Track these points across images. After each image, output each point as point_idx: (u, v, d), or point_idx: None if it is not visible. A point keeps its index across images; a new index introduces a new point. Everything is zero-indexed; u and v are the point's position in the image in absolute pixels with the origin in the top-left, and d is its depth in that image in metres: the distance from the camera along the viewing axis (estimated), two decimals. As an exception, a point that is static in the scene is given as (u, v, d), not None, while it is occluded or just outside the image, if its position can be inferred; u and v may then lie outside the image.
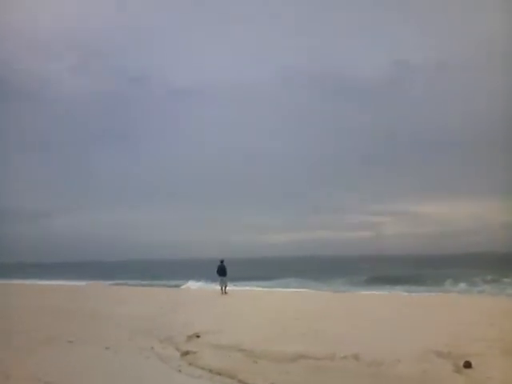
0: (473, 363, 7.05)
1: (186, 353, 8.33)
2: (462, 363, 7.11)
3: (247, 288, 30.43)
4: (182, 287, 34.26)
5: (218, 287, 24.31)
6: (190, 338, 9.88)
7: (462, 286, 26.02)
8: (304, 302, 18.68)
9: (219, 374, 6.85)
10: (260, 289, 30.25)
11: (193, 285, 35.26)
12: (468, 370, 6.87)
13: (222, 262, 23.99)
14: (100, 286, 35.89)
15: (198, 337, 9.98)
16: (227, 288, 23.95)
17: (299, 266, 63.44)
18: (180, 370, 7.06)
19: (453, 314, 12.48)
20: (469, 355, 7.52)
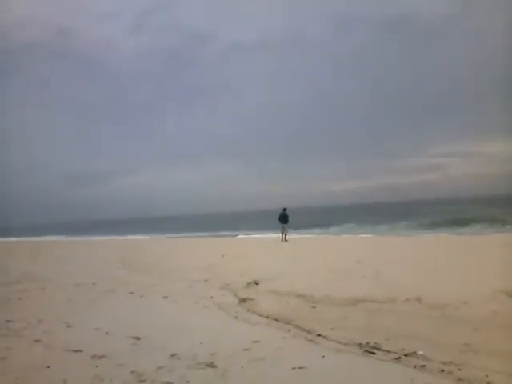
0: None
1: (244, 300, 8.33)
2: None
3: (308, 236, 30.31)
4: (243, 236, 34.76)
5: (278, 236, 24.54)
6: (249, 285, 9.90)
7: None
8: (365, 246, 18.26)
9: (276, 319, 6.78)
10: (321, 236, 30.06)
11: (253, 234, 35.63)
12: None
13: (284, 209, 24.19)
14: (161, 239, 37.11)
15: (256, 284, 9.98)
16: (287, 236, 24.12)
17: (362, 212, 62.56)
18: (237, 317, 7.05)
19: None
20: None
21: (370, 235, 27.30)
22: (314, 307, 7.53)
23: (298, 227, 33.63)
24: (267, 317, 6.97)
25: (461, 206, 56.21)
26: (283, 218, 24.17)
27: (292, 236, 26.16)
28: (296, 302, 7.95)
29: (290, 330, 6.11)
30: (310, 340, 5.61)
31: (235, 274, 11.43)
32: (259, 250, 19.02)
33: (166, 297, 8.83)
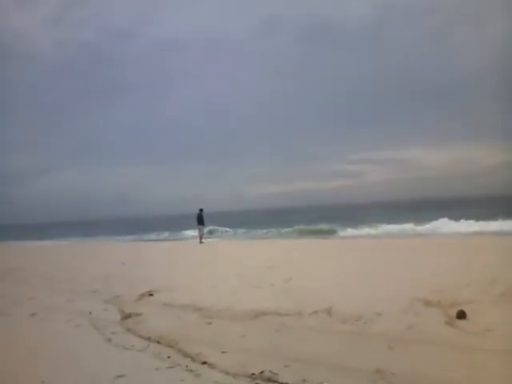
0: (467, 313, 5.83)
1: (129, 316, 7.01)
2: (454, 313, 5.88)
3: (224, 239, 29.23)
4: (158, 239, 33.10)
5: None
6: (141, 296, 8.59)
7: (451, 225, 24.34)
8: (280, 250, 17.42)
9: (159, 341, 5.52)
10: (237, 239, 29.01)
11: (172, 236, 33.99)
12: (462, 322, 5.64)
13: (200, 210, 23.19)
14: (71, 244, 34.43)
15: (151, 295, 8.68)
16: (203, 238, 23.17)
17: (284, 216, 62.53)
18: (110, 339, 5.72)
19: (441, 257, 11.29)
20: (461, 303, 6.31)
21: (288, 239, 26.67)
22: (209, 323, 6.38)
23: (213, 231, 32.71)
24: (148, 338, 5.70)
25: (377, 210, 57.61)
26: (199, 220, 23.15)
27: (208, 239, 25.03)
28: (190, 317, 6.76)
29: (169, 357, 4.88)
30: (191, 371, 4.42)
31: (130, 283, 10.05)
32: (166, 255, 17.63)
33: (34, 314, 7.32)
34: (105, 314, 7.18)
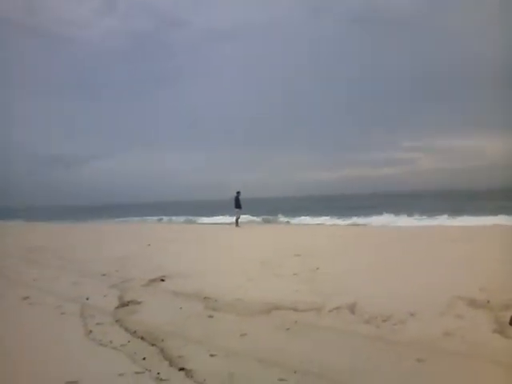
0: (523, 318, 4.68)
1: (126, 304, 6.24)
2: (507, 318, 4.75)
3: (267, 225, 28.23)
4: (199, 222, 32.56)
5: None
6: (151, 282, 7.85)
7: (501, 217, 22.23)
8: (318, 237, 16.30)
9: (142, 337, 4.70)
10: (280, 225, 27.91)
11: (214, 219, 33.21)
12: (516, 330, 4.51)
13: (237, 193, 22.41)
14: (102, 225, 34.50)
15: (162, 280, 7.93)
16: (240, 221, 22.45)
17: (326, 203, 61.09)
18: (90, 331, 4.95)
19: (488, 251, 9.94)
20: (516, 305, 5.16)
21: (330, 223, 25.43)
22: (210, 317, 5.51)
23: (260, 215, 31.77)
24: (134, 332, 4.90)
25: (428, 199, 55.06)
26: (236, 202, 22.38)
27: (249, 223, 24.29)
28: (192, 308, 5.91)
29: (144, 359, 4.04)
30: (160, 380, 3.56)
31: (147, 266, 9.37)
32: (197, 238, 16.93)
33: (27, 297, 6.69)
34: (102, 300, 6.45)
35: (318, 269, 8.44)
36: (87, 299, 6.54)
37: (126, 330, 4.98)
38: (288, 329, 4.90)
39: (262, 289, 6.91)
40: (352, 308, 5.56)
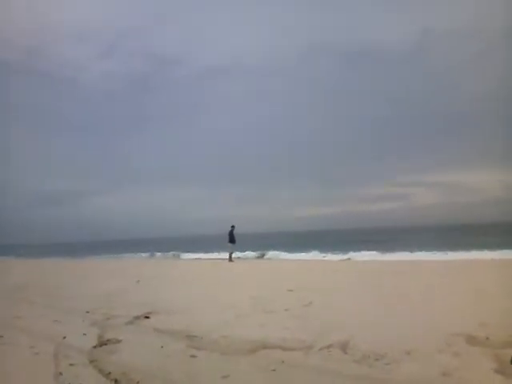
0: (526, 356, 4.37)
1: (104, 343, 5.88)
2: (508, 357, 4.43)
3: (260, 259, 27.77)
4: (190, 257, 32.01)
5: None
6: (135, 319, 7.48)
7: (500, 252, 21.79)
8: (313, 272, 15.94)
9: (116, 380, 4.35)
10: (272, 260, 27.45)
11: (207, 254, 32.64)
12: (519, 370, 4.19)
13: (232, 227, 22.04)
14: (92, 261, 33.94)
15: (146, 317, 7.56)
16: (233, 256, 22.08)
17: (322, 238, 60.72)
18: (60, 374, 4.59)
19: (490, 284, 9.64)
20: (517, 343, 4.86)
21: (323, 258, 25.06)
22: (192, 356, 5.15)
23: (254, 250, 31.41)
24: (108, 374, 4.54)
25: (425, 234, 54.74)
26: (230, 237, 22.01)
27: (243, 259, 23.85)
28: (175, 347, 5.55)
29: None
30: (129, 430, 3.21)
31: (133, 303, 9.01)
32: (187, 274, 16.54)
33: (1, 337, 6.31)
34: (80, 339, 6.08)
35: (310, 303, 8.13)
36: (64, 338, 6.17)
37: (100, 371, 4.63)
38: (274, 370, 4.56)
39: (250, 326, 6.58)
40: (344, 346, 5.24)
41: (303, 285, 10.91)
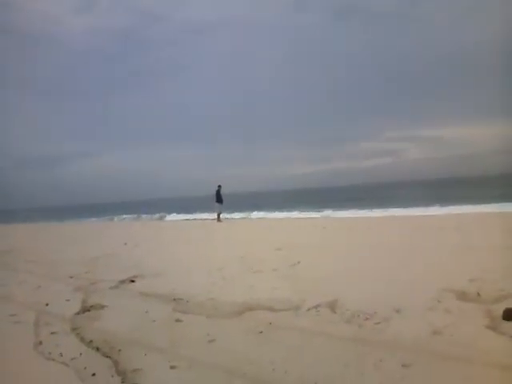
0: (517, 311, 4.27)
1: (87, 309, 5.71)
2: (499, 312, 4.33)
3: (250, 218, 27.66)
4: (176, 218, 31.87)
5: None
6: (120, 283, 7.33)
7: (491, 205, 21.68)
8: (302, 230, 15.87)
9: (97, 348, 4.20)
10: (261, 218, 27.36)
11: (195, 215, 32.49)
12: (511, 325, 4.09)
13: (219, 186, 21.73)
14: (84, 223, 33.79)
15: (132, 281, 7.42)
16: (221, 216, 21.86)
17: (310, 196, 60.89)
18: (41, 343, 4.43)
19: (481, 239, 9.59)
20: (509, 298, 4.77)
21: (315, 216, 24.96)
22: (178, 321, 5.00)
23: (243, 210, 31.30)
24: (90, 342, 4.38)
25: (414, 189, 54.93)
26: (217, 197, 21.76)
27: (232, 219, 23.73)
28: (160, 312, 5.41)
29: (94, 375, 3.55)
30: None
31: (119, 267, 8.87)
32: (176, 235, 16.41)
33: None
34: (63, 306, 5.91)
35: (298, 263, 8.02)
36: (46, 305, 6.00)
37: (82, 339, 4.46)
38: (261, 332, 4.43)
39: (237, 287, 6.46)
40: (333, 306, 5.13)
41: (291, 244, 10.81)
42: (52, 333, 4.72)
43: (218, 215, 21.90)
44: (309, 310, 5.07)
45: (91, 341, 4.38)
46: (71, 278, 8.05)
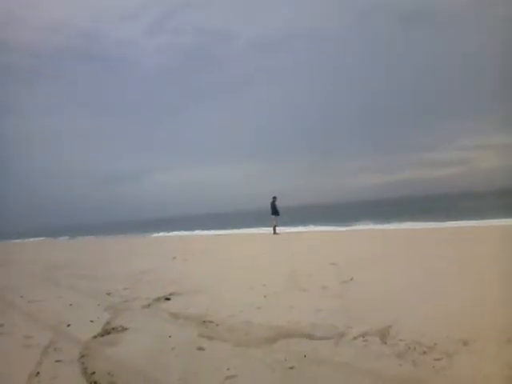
0: None
1: (108, 332, 5.16)
2: None
3: (313, 230, 26.56)
4: (238, 232, 31.31)
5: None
6: (155, 301, 6.79)
7: None
8: (360, 244, 14.72)
9: (95, 383, 3.58)
10: (325, 231, 26.19)
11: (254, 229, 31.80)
12: None
13: (274, 198, 20.99)
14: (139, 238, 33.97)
15: (167, 299, 6.85)
16: (277, 228, 21.10)
17: (377, 208, 58.76)
18: (38, 373, 3.89)
19: None
20: None
21: (380, 228, 23.50)
22: (200, 349, 4.32)
23: (306, 222, 30.34)
24: (93, 373, 3.79)
25: (490, 198, 51.40)
26: (273, 208, 21.02)
27: (289, 231, 22.86)
28: (185, 336, 4.76)
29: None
30: None
31: (160, 283, 8.39)
32: (229, 247, 15.86)
33: (2, 325, 5.75)
34: (84, 327, 5.40)
35: (351, 279, 7.14)
36: (68, 326, 5.52)
37: (84, 371, 3.86)
38: (291, 368, 3.64)
39: (277, 307, 5.71)
40: (384, 334, 4.25)
41: (348, 258, 9.87)
42: (56, 361, 4.17)
43: (274, 228, 21.11)
44: (354, 338, 4.23)
45: (94, 373, 3.78)
46: (108, 294, 7.61)
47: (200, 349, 4.31)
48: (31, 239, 49.77)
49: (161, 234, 38.73)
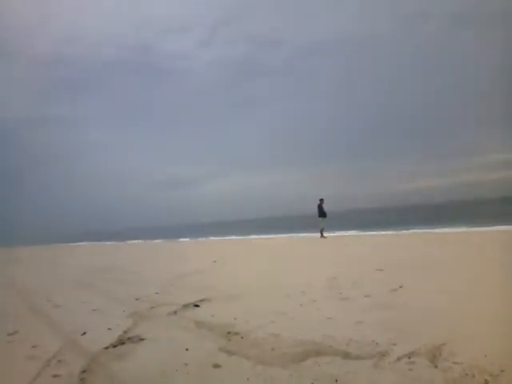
0: None
1: (122, 342, 4.68)
2: None
3: (355, 233, 25.55)
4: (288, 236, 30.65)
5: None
6: (184, 307, 6.29)
7: None
8: (412, 248, 13.70)
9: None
10: (377, 235, 25.04)
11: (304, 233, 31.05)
12: None
13: (321, 200, 20.23)
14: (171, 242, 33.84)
15: (196, 306, 6.33)
16: (324, 232, 20.28)
17: (436, 211, 56.44)
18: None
19: None
20: None
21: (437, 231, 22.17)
22: (216, 366, 3.74)
23: (355, 226, 29.43)
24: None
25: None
26: (320, 211, 20.24)
27: (339, 234, 22.02)
28: (204, 349, 4.21)
29: None
30: None
31: (195, 287, 7.92)
32: (272, 252, 15.23)
33: (15, 332, 5.41)
34: (99, 336, 4.96)
35: (400, 287, 6.38)
36: (83, 334, 5.09)
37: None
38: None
39: (313, 318, 5.05)
40: (434, 355, 3.53)
41: (398, 264, 9.05)
42: (54, 376, 3.70)
43: (321, 231, 20.30)
44: (398, 359, 3.53)
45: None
46: (137, 299, 7.20)
47: (216, 366, 3.74)
48: (84, 243, 51.12)
49: (217, 238, 38.58)
